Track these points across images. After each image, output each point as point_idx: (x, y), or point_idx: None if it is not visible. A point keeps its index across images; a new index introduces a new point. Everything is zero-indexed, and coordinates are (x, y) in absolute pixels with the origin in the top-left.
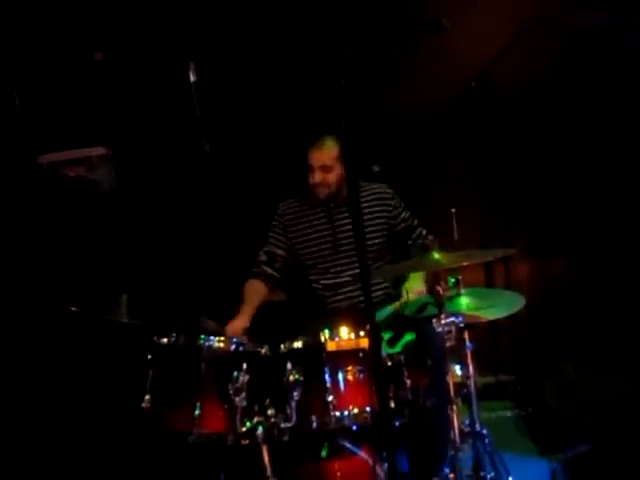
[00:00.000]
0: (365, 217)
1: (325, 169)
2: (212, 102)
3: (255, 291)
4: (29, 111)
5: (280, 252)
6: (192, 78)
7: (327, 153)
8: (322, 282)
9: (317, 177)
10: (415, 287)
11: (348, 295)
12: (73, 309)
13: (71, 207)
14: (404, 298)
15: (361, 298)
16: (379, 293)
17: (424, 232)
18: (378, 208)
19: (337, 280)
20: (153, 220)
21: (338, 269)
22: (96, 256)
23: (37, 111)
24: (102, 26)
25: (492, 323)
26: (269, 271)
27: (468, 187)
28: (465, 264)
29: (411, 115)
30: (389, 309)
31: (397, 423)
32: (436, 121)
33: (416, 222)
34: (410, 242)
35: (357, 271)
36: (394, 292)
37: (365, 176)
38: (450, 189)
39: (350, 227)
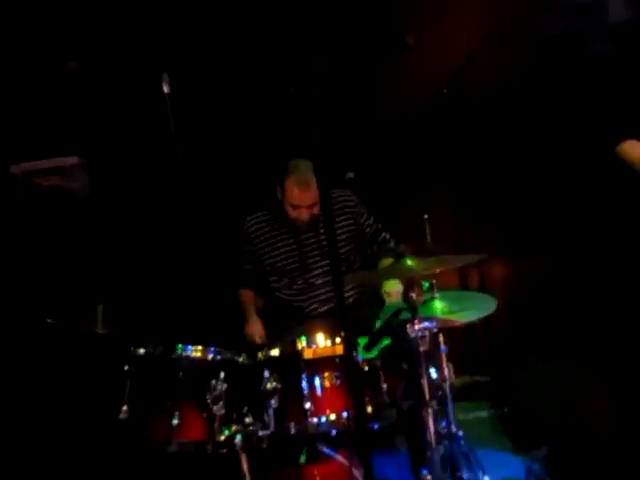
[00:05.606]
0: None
1: (312, 206)
2: (185, 112)
3: (251, 296)
4: (1, 120)
5: (248, 267)
6: (165, 89)
7: (314, 192)
8: (294, 287)
9: (305, 214)
10: (394, 289)
11: (321, 298)
12: (49, 321)
13: (45, 217)
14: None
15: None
16: (351, 293)
17: (388, 236)
18: (344, 217)
19: (307, 285)
20: (128, 229)
21: (307, 280)
22: (71, 266)
23: (9, 120)
24: (75, 34)
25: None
26: (251, 281)
27: (441, 192)
28: (438, 270)
29: (384, 121)
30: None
31: (376, 426)
32: (409, 127)
33: (380, 226)
34: (375, 246)
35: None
36: (371, 293)
37: (336, 184)
38: (422, 195)
39: (316, 244)
